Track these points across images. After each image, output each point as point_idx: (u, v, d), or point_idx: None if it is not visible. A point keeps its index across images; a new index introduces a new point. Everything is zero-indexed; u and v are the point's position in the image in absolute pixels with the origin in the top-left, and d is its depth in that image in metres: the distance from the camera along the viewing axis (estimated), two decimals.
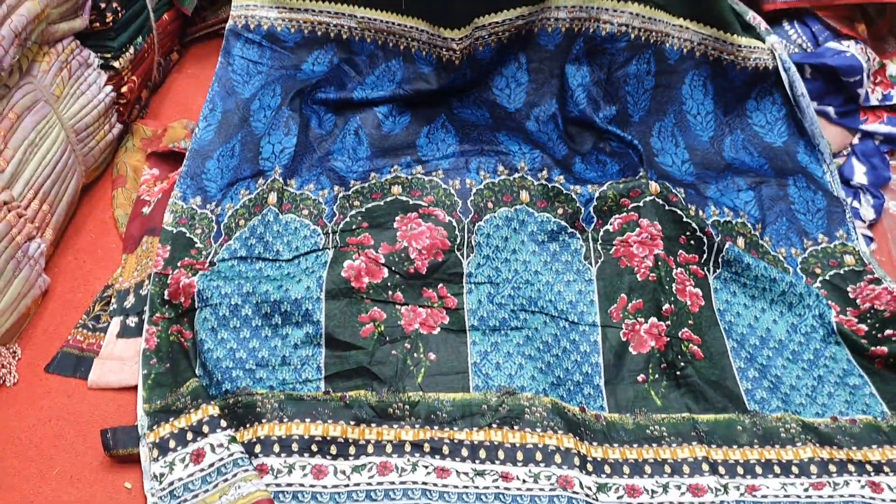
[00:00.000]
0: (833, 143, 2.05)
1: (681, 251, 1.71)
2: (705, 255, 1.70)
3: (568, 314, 1.63)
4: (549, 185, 1.80)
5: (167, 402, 1.46)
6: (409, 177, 1.80)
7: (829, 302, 1.69)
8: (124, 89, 1.94)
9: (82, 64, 1.79)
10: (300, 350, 1.52)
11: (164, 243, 1.70)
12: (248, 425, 1.42)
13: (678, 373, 1.55)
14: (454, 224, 1.70)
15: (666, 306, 1.62)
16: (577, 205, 1.78)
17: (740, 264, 1.68)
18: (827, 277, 1.77)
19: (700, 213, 1.77)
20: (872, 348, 1.59)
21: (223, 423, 1.40)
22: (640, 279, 1.67)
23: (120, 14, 1.89)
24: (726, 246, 1.70)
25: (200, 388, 1.46)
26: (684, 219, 1.71)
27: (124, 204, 1.88)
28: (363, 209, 1.74)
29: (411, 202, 1.75)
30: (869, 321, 1.65)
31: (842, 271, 1.78)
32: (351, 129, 1.93)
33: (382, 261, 1.62)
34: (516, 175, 1.82)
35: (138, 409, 1.46)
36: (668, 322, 1.60)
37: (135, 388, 1.50)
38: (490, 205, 1.77)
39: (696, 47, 1.95)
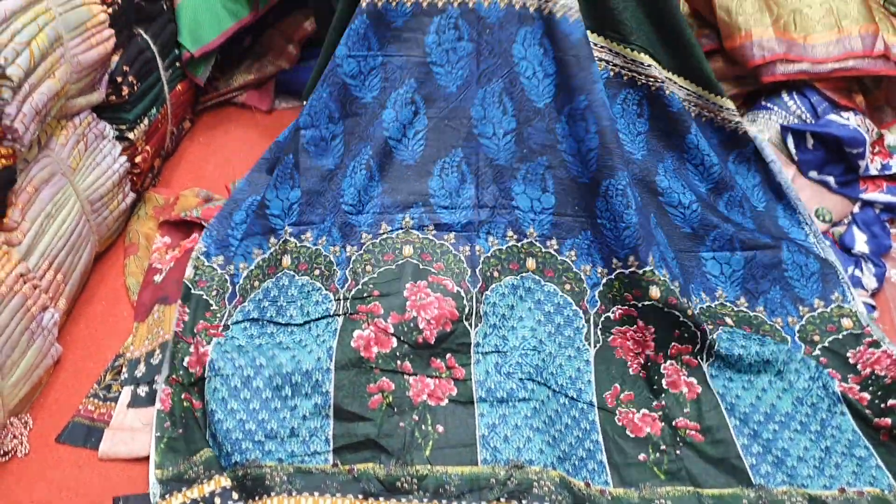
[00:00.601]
0: (834, 212, 2.08)
1: (673, 343, 1.69)
2: (698, 346, 1.69)
3: (567, 390, 1.63)
4: (559, 259, 1.80)
5: (179, 469, 1.47)
6: (422, 237, 1.79)
7: (830, 371, 1.69)
8: (138, 159, 1.98)
9: (98, 136, 1.83)
10: (308, 422, 1.52)
11: (185, 302, 1.73)
12: (257, 498, 1.42)
13: (678, 452, 1.55)
14: (462, 294, 1.70)
15: (655, 402, 1.63)
16: (585, 286, 1.77)
17: (731, 357, 1.67)
18: (826, 344, 1.76)
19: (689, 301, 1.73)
20: (876, 419, 1.59)
21: (234, 495, 1.41)
22: (631, 373, 1.68)
23: (135, 87, 1.94)
24: (716, 344, 1.67)
25: (213, 458, 1.47)
26: (681, 318, 1.69)
27: (136, 272, 1.90)
28: (375, 274, 1.73)
29: (421, 267, 1.74)
30: (871, 388, 1.65)
31: (840, 336, 1.77)
32: (362, 162, 1.85)
33: (391, 330, 1.63)
34: (524, 241, 1.82)
35: (150, 476, 1.47)
36: (660, 414, 1.61)
37: (146, 458, 1.51)
38: (496, 273, 1.77)
39: (683, 100, 1.96)
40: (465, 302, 1.70)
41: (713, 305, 1.81)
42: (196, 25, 2.24)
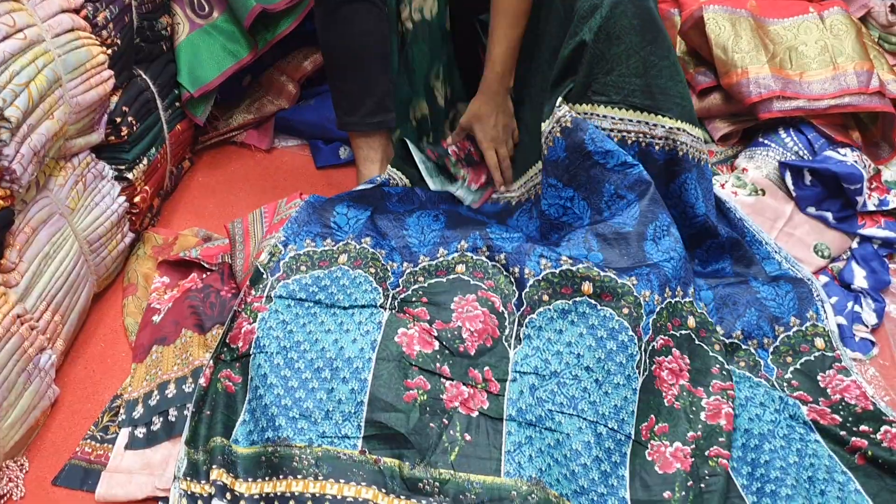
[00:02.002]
0: (832, 248, 2.08)
1: (714, 381, 1.66)
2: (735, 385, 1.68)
3: (608, 420, 1.57)
4: (618, 282, 1.69)
5: (199, 456, 1.50)
6: (475, 258, 1.80)
7: (801, 394, 1.69)
8: (137, 199, 1.99)
9: (97, 176, 1.83)
10: (343, 405, 1.52)
11: (252, 285, 1.76)
12: (281, 476, 1.43)
13: (703, 486, 1.52)
14: (506, 315, 1.69)
15: (690, 434, 1.58)
16: (642, 311, 1.68)
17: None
18: (798, 366, 1.76)
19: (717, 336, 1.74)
20: (853, 439, 1.59)
21: (228, 496, 1.43)
22: (666, 404, 1.63)
23: (135, 127, 1.95)
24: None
25: (219, 448, 1.49)
26: (710, 353, 1.69)
27: (134, 312, 1.90)
28: (426, 284, 1.75)
29: (472, 282, 1.74)
30: (842, 413, 1.65)
31: (812, 357, 1.77)
32: (431, 212, 1.98)
33: (435, 334, 1.63)
34: (580, 266, 1.71)
35: (180, 450, 1.51)
36: (694, 446, 1.57)
37: (143, 501, 1.50)
38: (546, 297, 1.70)
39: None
40: (507, 323, 1.68)
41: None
42: (195, 66, 2.25)
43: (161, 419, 1.62)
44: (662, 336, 1.70)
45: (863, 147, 2.22)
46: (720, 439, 1.57)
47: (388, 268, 1.81)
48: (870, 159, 2.18)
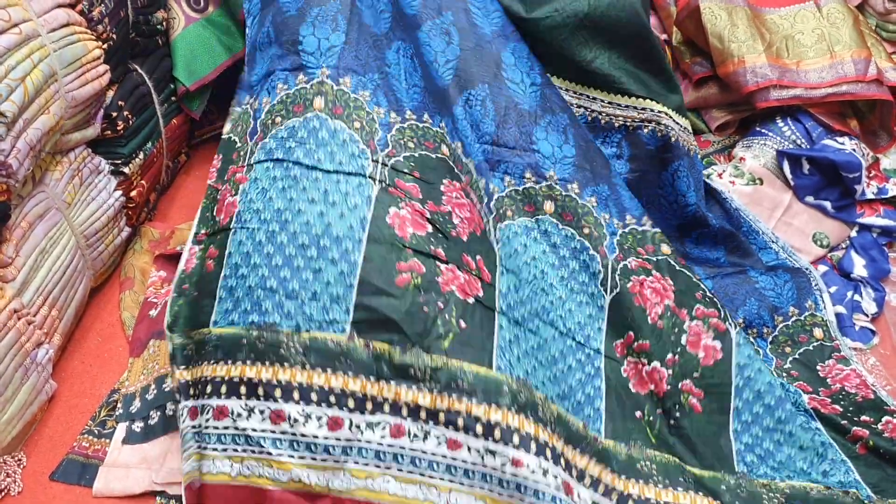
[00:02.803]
0: (831, 237, 2.08)
1: (698, 306, 1.66)
2: (723, 312, 1.67)
3: (575, 334, 1.59)
4: (579, 202, 1.74)
5: (183, 340, 1.49)
6: (454, 146, 1.74)
7: (801, 384, 1.70)
8: (133, 194, 1.98)
9: (93, 171, 1.83)
10: (332, 288, 1.45)
11: (219, 153, 1.71)
12: (267, 363, 1.40)
13: (672, 421, 1.54)
14: (484, 213, 1.68)
15: (669, 356, 1.60)
16: (605, 231, 1.73)
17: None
18: (797, 356, 1.77)
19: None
20: (854, 429, 1.59)
21: (191, 391, 1.45)
22: (649, 321, 1.63)
23: (131, 122, 1.94)
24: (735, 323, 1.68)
25: (204, 339, 1.47)
26: (693, 279, 1.70)
27: (132, 307, 1.90)
28: (416, 154, 1.68)
29: (455, 171, 1.71)
30: (842, 403, 1.66)
31: (811, 347, 1.78)
32: (407, 53, 1.83)
33: (428, 216, 1.57)
34: (543, 183, 1.74)
35: (168, 337, 1.50)
36: (671, 371, 1.58)
37: (141, 496, 1.50)
38: (510, 213, 1.70)
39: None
40: (486, 219, 1.67)
41: None
42: (191, 59, 2.24)
43: (159, 413, 1.62)
44: (635, 258, 1.71)
45: (861, 135, 2.22)
46: (695, 374, 1.58)
47: (375, 117, 1.70)
48: (868, 148, 2.18)
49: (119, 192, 1.92)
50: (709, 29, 2.25)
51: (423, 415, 1.37)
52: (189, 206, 2.28)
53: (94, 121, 1.82)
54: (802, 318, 1.83)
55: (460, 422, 1.35)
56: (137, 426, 1.61)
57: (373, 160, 1.61)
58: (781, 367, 1.76)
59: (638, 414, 1.54)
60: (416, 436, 1.35)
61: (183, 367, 1.48)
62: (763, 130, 2.24)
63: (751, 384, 1.59)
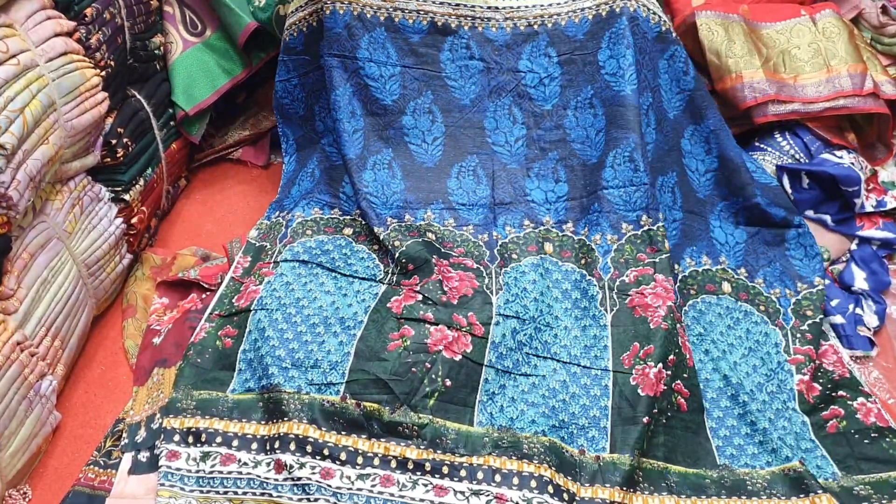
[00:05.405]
0: (832, 250, 2.08)
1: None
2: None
3: (580, 359, 1.70)
4: (575, 239, 1.91)
5: (178, 395, 1.61)
6: (442, 228, 1.93)
7: (809, 348, 1.80)
8: (134, 220, 1.98)
9: (94, 199, 1.82)
10: (332, 356, 1.65)
11: (247, 254, 1.92)
12: (275, 420, 1.54)
13: (664, 420, 1.61)
14: (482, 270, 1.83)
15: (671, 356, 1.67)
16: (596, 254, 1.87)
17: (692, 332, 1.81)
18: (817, 320, 1.86)
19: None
20: (832, 407, 1.70)
21: (191, 439, 1.55)
22: (652, 327, 1.71)
23: (130, 148, 1.94)
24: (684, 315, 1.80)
25: (205, 400, 1.61)
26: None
27: (134, 334, 1.89)
28: (403, 247, 1.84)
29: (443, 250, 1.87)
30: (821, 381, 1.75)
31: (818, 320, 1.88)
32: (384, 161, 2.02)
33: (418, 289, 1.75)
34: (541, 228, 1.94)
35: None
36: (669, 372, 1.66)
37: None
38: (515, 255, 1.88)
39: None
40: (484, 275, 1.81)
41: (714, 269, 1.94)
42: (190, 84, 2.25)
43: None
44: (634, 269, 1.83)
45: (859, 149, 2.22)
46: (684, 374, 1.68)
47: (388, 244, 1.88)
48: (866, 161, 2.18)
49: (120, 220, 1.92)
50: (706, 45, 2.25)
51: (410, 466, 1.50)
52: (190, 230, 2.27)
53: (94, 149, 1.81)
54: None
55: (445, 469, 1.49)
56: (143, 456, 1.60)
57: (384, 271, 1.85)
58: (798, 327, 1.85)
59: (646, 419, 1.59)
60: (404, 485, 1.47)
61: (171, 415, 1.59)
62: (762, 145, 2.24)
63: (710, 384, 1.72)
